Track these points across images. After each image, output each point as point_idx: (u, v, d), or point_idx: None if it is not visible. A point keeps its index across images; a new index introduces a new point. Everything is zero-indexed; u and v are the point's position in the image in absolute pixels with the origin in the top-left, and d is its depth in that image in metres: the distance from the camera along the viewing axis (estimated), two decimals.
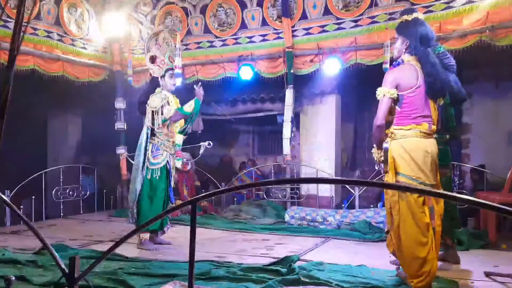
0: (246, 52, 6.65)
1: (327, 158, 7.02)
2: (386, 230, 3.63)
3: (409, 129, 3.10)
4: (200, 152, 5.03)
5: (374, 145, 3.24)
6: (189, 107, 4.71)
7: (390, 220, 3.22)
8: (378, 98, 3.14)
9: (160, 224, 4.82)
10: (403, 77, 3.13)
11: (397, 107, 3.17)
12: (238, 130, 9.80)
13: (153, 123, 4.68)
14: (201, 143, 5.76)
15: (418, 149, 3.07)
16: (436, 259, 3.09)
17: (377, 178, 6.23)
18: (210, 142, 5.42)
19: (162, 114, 4.67)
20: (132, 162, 4.92)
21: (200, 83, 4.79)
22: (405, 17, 3.29)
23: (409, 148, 3.07)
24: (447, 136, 4.02)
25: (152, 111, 4.69)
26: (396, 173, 3.09)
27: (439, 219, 3.10)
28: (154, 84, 4.86)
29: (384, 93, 3.11)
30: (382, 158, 3.14)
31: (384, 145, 3.14)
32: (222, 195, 7.22)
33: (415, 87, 3.11)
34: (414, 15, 3.27)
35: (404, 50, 3.26)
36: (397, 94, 3.12)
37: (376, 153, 3.23)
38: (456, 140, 4.24)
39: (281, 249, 4.61)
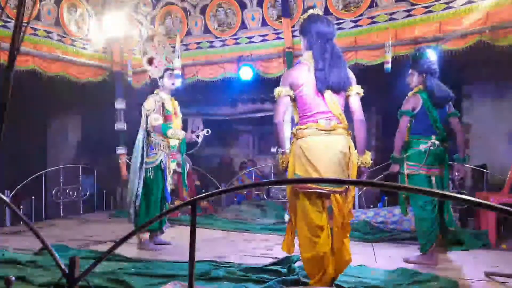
0: (246, 53, 6.65)
1: None
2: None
3: (306, 128, 3.02)
4: (199, 140, 4.90)
5: (279, 148, 3.16)
6: (172, 133, 4.60)
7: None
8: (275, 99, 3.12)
9: (159, 225, 4.81)
10: (292, 77, 3.10)
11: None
12: (238, 130, 9.80)
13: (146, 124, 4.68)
14: (199, 132, 5.64)
15: (314, 147, 2.97)
16: (333, 259, 3.02)
17: (377, 178, 6.22)
18: (208, 129, 5.36)
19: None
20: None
21: (208, 132, 4.80)
22: (302, 16, 3.26)
23: (305, 148, 2.98)
24: (433, 137, 3.99)
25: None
26: (294, 174, 3.04)
27: (338, 220, 2.99)
28: (154, 84, 4.86)
29: (278, 92, 3.11)
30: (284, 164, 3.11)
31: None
32: (222, 195, 7.21)
33: (301, 86, 3.06)
34: (310, 11, 3.22)
35: (305, 49, 3.21)
36: (294, 94, 3.10)
37: (279, 157, 3.14)
38: (447, 141, 4.12)
39: (281, 250, 4.60)
